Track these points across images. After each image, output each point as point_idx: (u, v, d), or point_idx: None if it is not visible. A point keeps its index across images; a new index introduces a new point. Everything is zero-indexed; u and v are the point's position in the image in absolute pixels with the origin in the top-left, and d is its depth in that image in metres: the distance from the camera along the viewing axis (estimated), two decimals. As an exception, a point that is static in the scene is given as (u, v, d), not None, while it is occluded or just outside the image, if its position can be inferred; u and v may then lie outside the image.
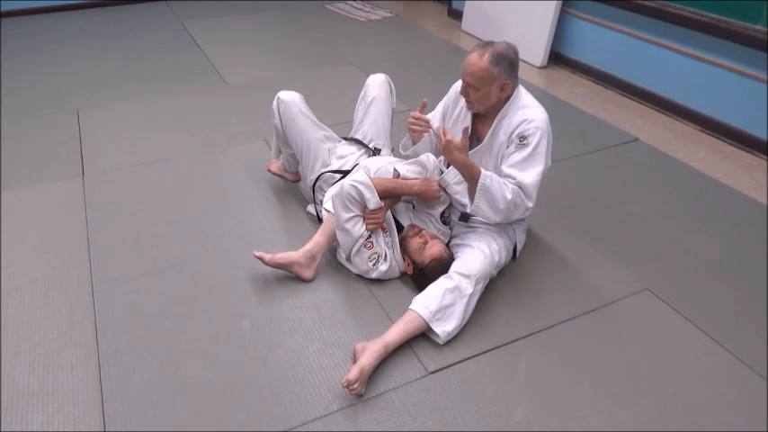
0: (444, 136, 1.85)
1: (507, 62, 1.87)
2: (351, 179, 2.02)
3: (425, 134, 2.14)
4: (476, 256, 1.95)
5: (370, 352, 1.72)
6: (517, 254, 2.19)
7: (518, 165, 1.91)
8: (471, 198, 1.91)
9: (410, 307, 1.85)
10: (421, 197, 2.14)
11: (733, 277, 2.17)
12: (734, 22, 2.97)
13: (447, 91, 2.25)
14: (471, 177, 1.88)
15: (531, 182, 1.90)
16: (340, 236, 2.06)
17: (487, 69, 1.84)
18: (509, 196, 1.87)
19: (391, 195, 2.10)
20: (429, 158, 2.18)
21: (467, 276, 1.89)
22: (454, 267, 1.94)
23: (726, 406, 1.68)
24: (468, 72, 1.88)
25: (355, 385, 1.64)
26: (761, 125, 2.97)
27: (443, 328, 1.83)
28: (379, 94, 2.47)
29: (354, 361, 1.73)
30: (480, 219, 2.10)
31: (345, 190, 2.00)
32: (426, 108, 2.12)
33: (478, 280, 1.90)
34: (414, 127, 2.10)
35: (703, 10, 3.10)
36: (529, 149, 1.89)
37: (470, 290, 1.87)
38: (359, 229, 2.02)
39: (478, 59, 1.85)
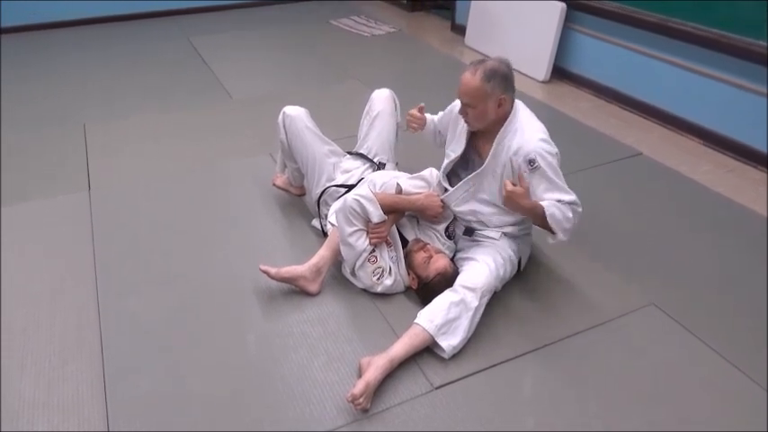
0: (505, 188, 1.89)
1: (500, 77, 1.87)
2: (354, 193, 2.03)
3: (421, 129, 2.35)
4: (481, 270, 1.95)
5: (376, 366, 1.72)
6: (522, 266, 2.19)
7: (553, 188, 1.91)
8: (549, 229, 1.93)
9: (415, 321, 1.85)
10: (423, 212, 2.14)
11: (737, 291, 2.16)
12: (735, 37, 2.99)
13: (450, 105, 2.27)
14: (537, 216, 1.91)
15: (574, 196, 1.92)
16: (344, 250, 2.07)
17: (481, 87, 1.85)
18: (570, 214, 1.90)
19: (395, 210, 2.11)
20: (432, 173, 2.19)
21: (472, 290, 1.89)
22: (459, 281, 1.94)
23: (728, 419, 1.67)
24: (462, 91, 1.90)
25: (360, 400, 1.63)
26: (763, 139, 2.97)
27: (449, 342, 1.82)
28: (384, 109, 2.48)
29: (360, 376, 1.73)
30: (484, 233, 2.10)
31: (348, 204, 2.00)
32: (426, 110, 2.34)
33: (483, 293, 1.90)
34: (412, 125, 2.33)
35: (705, 25, 3.13)
36: (549, 171, 1.90)
37: (476, 303, 1.87)
38: (362, 243, 2.03)
39: (471, 78, 1.86)
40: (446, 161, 2.18)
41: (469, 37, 4.85)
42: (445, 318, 1.83)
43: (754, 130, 3.01)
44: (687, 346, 1.92)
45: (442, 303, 1.87)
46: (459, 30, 5.07)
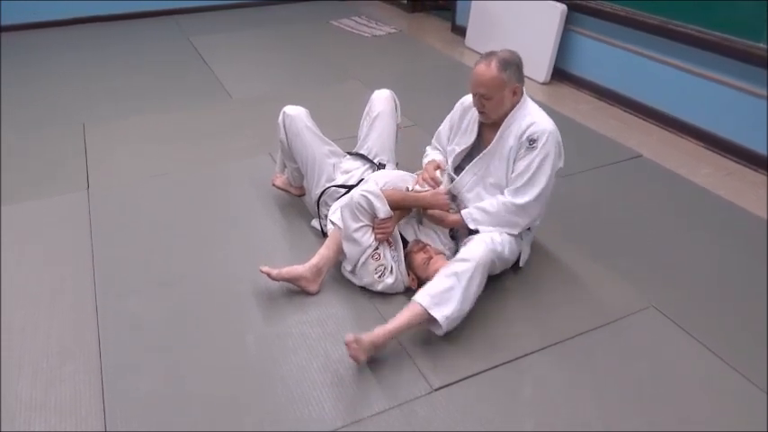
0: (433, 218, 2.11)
1: (514, 66, 1.93)
2: (361, 189, 2.03)
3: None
4: (478, 244, 1.95)
5: (369, 333, 1.77)
6: (520, 263, 2.19)
7: (524, 178, 1.97)
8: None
9: (412, 298, 1.87)
10: (428, 209, 2.14)
11: (736, 293, 2.16)
12: (736, 39, 2.99)
13: (451, 106, 2.27)
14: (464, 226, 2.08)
15: (527, 198, 1.98)
16: (347, 246, 2.06)
17: (498, 76, 1.89)
18: (492, 209, 2.01)
19: (400, 207, 2.11)
20: (443, 174, 2.19)
21: (466, 260, 1.88)
22: (456, 256, 1.95)
23: (728, 421, 1.67)
24: (479, 83, 1.92)
25: (354, 345, 1.72)
26: (763, 142, 2.97)
27: (443, 313, 1.81)
28: (384, 110, 2.48)
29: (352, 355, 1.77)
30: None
31: (355, 200, 2.01)
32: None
33: (479, 264, 1.87)
34: (425, 184, 2.21)
35: (705, 27, 3.13)
36: (540, 159, 1.95)
37: (469, 273, 1.85)
38: (367, 239, 2.03)
39: (486, 69, 1.90)
40: (453, 155, 2.19)
41: (470, 38, 4.85)
42: (438, 288, 1.84)
43: (754, 133, 3.01)
44: (686, 349, 1.92)
45: (437, 278, 1.89)
46: (460, 31, 5.07)
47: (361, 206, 2.00)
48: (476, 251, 1.91)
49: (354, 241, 2.03)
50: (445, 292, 1.83)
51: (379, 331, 1.78)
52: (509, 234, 2.05)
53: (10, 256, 2.33)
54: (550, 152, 1.95)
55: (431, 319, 1.82)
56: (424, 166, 2.30)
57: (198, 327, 1.99)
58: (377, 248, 2.05)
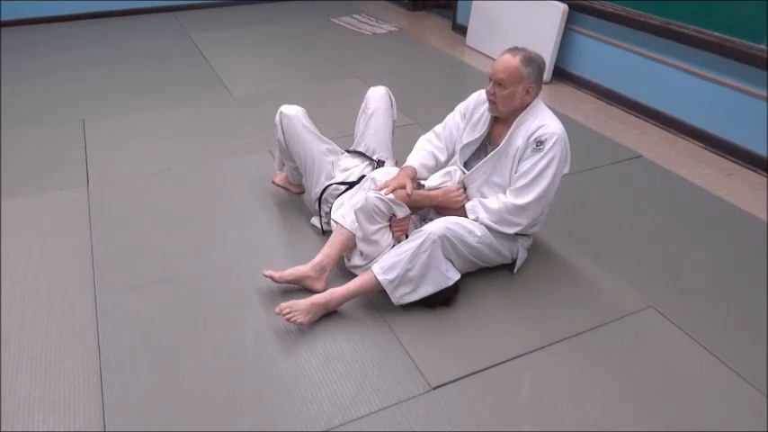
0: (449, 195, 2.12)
1: (536, 67, 1.96)
2: (376, 193, 2.03)
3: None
4: (438, 221, 2.01)
5: (321, 295, 1.95)
6: (515, 269, 2.19)
7: (526, 179, 1.99)
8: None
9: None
10: (442, 210, 2.14)
11: (736, 295, 2.16)
12: (737, 40, 2.99)
13: (451, 104, 2.27)
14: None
15: (527, 199, 1.99)
16: (366, 247, 2.07)
17: (519, 68, 1.93)
18: (493, 207, 2.03)
19: (415, 206, 2.11)
20: (456, 172, 2.19)
21: (420, 232, 1.97)
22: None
23: (727, 423, 1.67)
24: (499, 69, 1.95)
25: (285, 311, 1.87)
26: (763, 143, 2.97)
27: (387, 276, 1.93)
28: (380, 107, 2.48)
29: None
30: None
31: (372, 203, 2.01)
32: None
33: (431, 235, 1.94)
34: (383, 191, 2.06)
35: (706, 28, 3.13)
36: (545, 162, 1.96)
37: (419, 242, 1.93)
38: (387, 239, 2.06)
39: (511, 58, 1.95)
40: (462, 147, 2.19)
41: (470, 37, 4.85)
42: (390, 257, 1.96)
43: (754, 134, 3.01)
44: (685, 350, 1.92)
45: (393, 249, 2.02)
46: (461, 30, 5.07)
47: (378, 209, 2.02)
48: (432, 225, 1.98)
49: (375, 243, 2.06)
50: (394, 257, 1.95)
51: (334, 295, 1.96)
52: (504, 233, 2.06)
53: (9, 251, 2.33)
54: (556, 156, 1.96)
55: (384, 288, 1.95)
56: (404, 164, 2.24)
57: (196, 324, 1.99)
58: (393, 245, 2.07)
